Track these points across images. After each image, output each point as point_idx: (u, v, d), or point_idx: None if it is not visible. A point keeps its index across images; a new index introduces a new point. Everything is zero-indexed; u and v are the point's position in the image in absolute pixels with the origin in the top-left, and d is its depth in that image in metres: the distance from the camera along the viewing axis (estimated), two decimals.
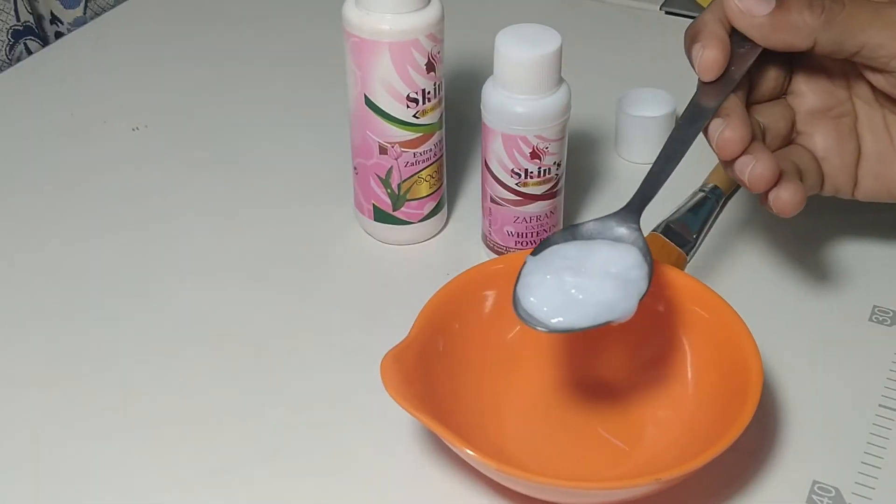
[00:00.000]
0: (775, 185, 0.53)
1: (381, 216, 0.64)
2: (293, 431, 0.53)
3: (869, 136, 0.57)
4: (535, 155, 0.58)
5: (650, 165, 0.53)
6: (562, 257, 0.50)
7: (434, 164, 0.62)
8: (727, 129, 0.52)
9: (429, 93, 0.60)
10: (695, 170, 0.67)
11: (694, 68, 0.54)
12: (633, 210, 0.52)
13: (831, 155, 0.57)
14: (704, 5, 0.87)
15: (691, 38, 0.54)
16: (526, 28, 0.57)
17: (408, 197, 0.63)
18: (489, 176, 0.60)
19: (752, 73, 0.55)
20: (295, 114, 0.77)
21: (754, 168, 0.52)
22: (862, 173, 0.58)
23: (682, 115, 0.54)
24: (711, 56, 0.53)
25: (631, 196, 0.53)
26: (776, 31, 0.52)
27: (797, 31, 0.52)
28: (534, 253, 0.51)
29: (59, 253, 0.65)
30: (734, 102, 0.53)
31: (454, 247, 0.65)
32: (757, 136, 0.54)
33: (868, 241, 0.64)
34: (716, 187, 0.66)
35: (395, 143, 0.60)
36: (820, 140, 0.57)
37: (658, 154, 0.53)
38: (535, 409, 0.54)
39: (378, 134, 0.60)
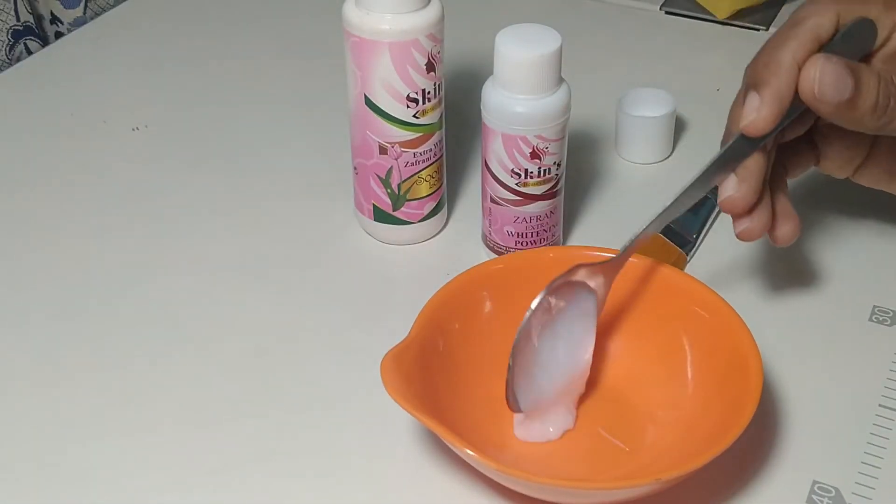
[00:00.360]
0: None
1: (381, 216, 0.64)
2: (293, 431, 0.53)
3: (884, 146, 0.57)
4: (535, 155, 0.58)
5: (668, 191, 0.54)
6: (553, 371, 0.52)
7: (434, 164, 0.62)
8: (738, 194, 0.53)
9: (429, 93, 0.60)
10: (695, 170, 0.67)
11: (743, 110, 0.52)
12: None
13: (835, 160, 0.57)
14: (704, 5, 0.87)
15: (753, 80, 0.52)
16: (526, 28, 0.57)
17: (408, 197, 0.63)
18: (489, 176, 0.60)
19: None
20: (295, 114, 0.77)
21: (748, 227, 0.54)
22: (861, 173, 0.58)
23: (713, 162, 0.53)
24: (764, 119, 0.51)
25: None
26: (836, 116, 0.52)
27: (855, 123, 0.52)
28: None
29: (59, 253, 0.65)
30: (755, 164, 0.53)
31: (454, 247, 0.65)
32: (764, 194, 0.54)
33: (868, 241, 0.64)
34: (716, 187, 0.66)
35: (395, 143, 0.60)
36: (831, 151, 0.57)
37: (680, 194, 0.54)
38: None
39: (378, 134, 0.60)
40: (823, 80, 0.50)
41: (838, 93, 0.50)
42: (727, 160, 0.53)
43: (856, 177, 0.58)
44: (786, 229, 0.55)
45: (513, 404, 0.51)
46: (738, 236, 0.55)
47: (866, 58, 0.54)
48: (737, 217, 0.54)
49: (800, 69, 0.51)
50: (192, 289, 0.62)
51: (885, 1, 0.54)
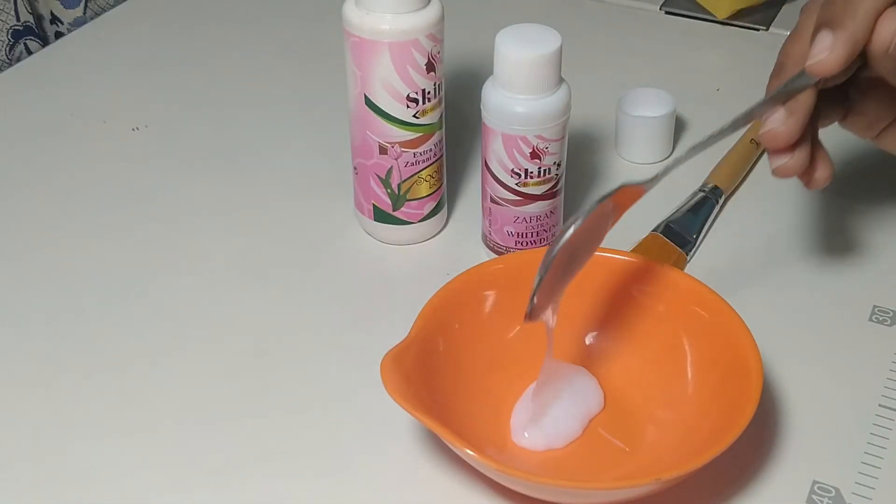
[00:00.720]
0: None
1: (381, 216, 0.64)
2: (293, 431, 0.53)
3: None
4: (535, 155, 0.58)
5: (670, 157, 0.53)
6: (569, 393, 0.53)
7: (434, 164, 0.62)
8: (784, 127, 0.52)
9: (429, 93, 0.60)
10: (695, 170, 0.67)
11: (812, 48, 0.50)
12: None
13: (866, 116, 0.55)
14: (704, 5, 0.87)
15: (827, 18, 0.50)
16: (526, 28, 0.57)
17: (408, 197, 0.63)
18: (489, 176, 0.60)
19: None
20: (295, 114, 0.77)
21: (787, 163, 0.53)
22: (884, 136, 0.56)
23: (774, 95, 0.52)
24: (835, 59, 0.49)
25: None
26: (892, 72, 0.51)
27: None
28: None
29: (59, 253, 0.64)
30: (807, 99, 0.52)
31: (454, 247, 0.65)
32: (807, 133, 0.53)
33: (868, 242, 0.64)
34: (716, 187, 0.66)
35: (395, 143, 0.60)
36: (864, 106, 0.56)
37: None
38: None
39: (378, 134, 0.60)
40: None
41: None
42: (782, 94, 0.52)
43: (878, 139, 0.56)
44: (822, 173, 0.54)
45: (531, 314, 0.49)
46: (774, 172, 0.53)
47: None
48: (777, 152, 0.53)
49: (876, 19, 0.50)
50: (192, 289, 0.62)
51: None
